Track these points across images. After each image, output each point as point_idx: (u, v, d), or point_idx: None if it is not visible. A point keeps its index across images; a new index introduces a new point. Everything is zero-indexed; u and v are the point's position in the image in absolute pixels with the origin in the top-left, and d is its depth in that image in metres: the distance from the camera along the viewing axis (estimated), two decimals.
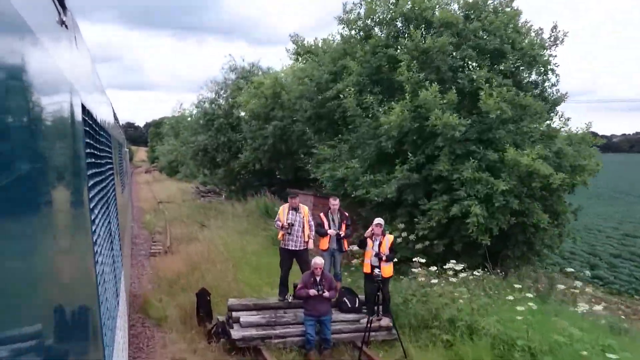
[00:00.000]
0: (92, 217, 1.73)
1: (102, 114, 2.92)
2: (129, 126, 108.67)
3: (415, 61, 9.36)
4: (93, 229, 1.72)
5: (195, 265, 9.09)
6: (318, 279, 5.86)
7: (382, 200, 8.89)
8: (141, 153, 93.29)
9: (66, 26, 1.66)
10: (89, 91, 2.12)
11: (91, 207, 1.73)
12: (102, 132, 2.63)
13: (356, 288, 6.89)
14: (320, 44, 14.89)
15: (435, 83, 8.82)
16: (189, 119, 24.79)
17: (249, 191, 20.02)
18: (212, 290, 6.88)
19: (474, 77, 9.19)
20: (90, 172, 1.80)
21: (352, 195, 9.36)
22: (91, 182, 1.81)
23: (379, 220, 6.38)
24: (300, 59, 15.62)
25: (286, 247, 6.50)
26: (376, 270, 5.89)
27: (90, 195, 1.74)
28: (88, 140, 1.86)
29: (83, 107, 1.77)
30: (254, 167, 17.52)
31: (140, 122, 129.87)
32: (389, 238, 6.36)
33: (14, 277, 0.79)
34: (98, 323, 1.62)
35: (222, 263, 9.21)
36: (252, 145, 17.00)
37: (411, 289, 6.61)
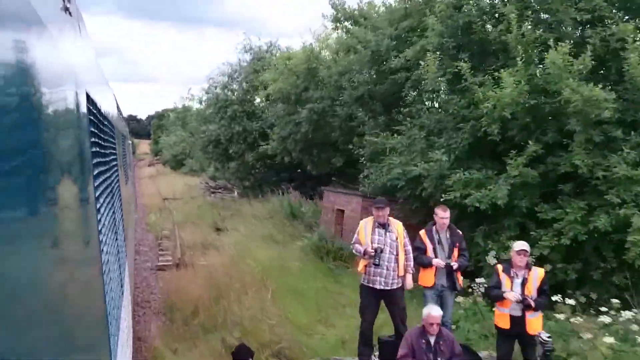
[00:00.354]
0: (98, 207, 2.53)
1: (106, 104, 3.81)
2: (131, 119, 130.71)
3: (529, 13, 8.99)
4: (98, 218, 2.49)
5: (218, 289, 9.19)
6: (432, 340, 5.08)
7: (485, 208, 8.54)
8: (144, 146, 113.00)
9: (70, 13, 2.36)
10: (93, 80, 2.92)
11: (96, 196, 2.53)
12: (106, 122, 3.49)
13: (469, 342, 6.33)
14: (366, 8, 15.56)
15: (566, 42, 8.41)
16: (198, 106, 28.84)
17: (265, 187, 22.55)
18: (249, 336, 6.60)
19: (614, 32, 8.45)
20: (95, 161, 2.58)
21: (441, 200, 9.06)
22: (96, 172, 2.58)
23: (521, 245, 5.65)
24: (340, 27, 16.28)
25: (371, 284, 5.98)
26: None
27: (95, 185, 2.52)
28: (93, 130, 2.64)
29: (88, 96, 2.56)
30: (283, 159, 19.20)
31: (143, 115, 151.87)
32: (538, 273, 5.61)
33: (18, 265, 1.02)
34: (103, 312, 2.40)
35: (255, 286, 9.33)
36: (279, 133, 18.37)
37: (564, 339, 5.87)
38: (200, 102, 29.05)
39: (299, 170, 22.40)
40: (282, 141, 18.37)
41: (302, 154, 18.14)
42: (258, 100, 24.04)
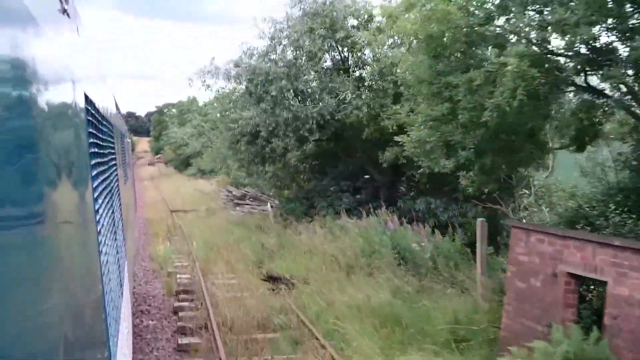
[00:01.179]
0: (96, 207, 2.57)
1: (105, 103, 3.91)
2: (130, 116, 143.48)
3: None
4: (97, 219, 2.55)
5: None
6: None
7: None
8: (143, 143, 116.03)
9: (68, 15, 2.44)
10: (91, 80, 3.03)
11: (95, 197, 2.57)
12: (104, 122, 3.61)
13: None
14: None
15: None
16: (222, 90, 21.29)
17: (320, 201, 17.68)
18: None
19: None
20: (93, 162, 2.71)
21: None
22: (94, 172, 2.71)
23: None
24: None
25: None
26: None
27: (94, 186, 2.62)
28: (91, 130, 2.76)
29: (86, 96, 2.61)
30: (471, 167, 11.58)
31: (142, 112, 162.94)
32: None
33: (18, 266, 1.11)
34: (102, 313, 2.41)
35: None
36: (426, 118, 11.54)
37: None
38: (228, 78, 20.33)
39: (367, 176, 17.96)
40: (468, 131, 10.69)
41: (495, 155, 11.05)
42: (313, 75, 18.09)
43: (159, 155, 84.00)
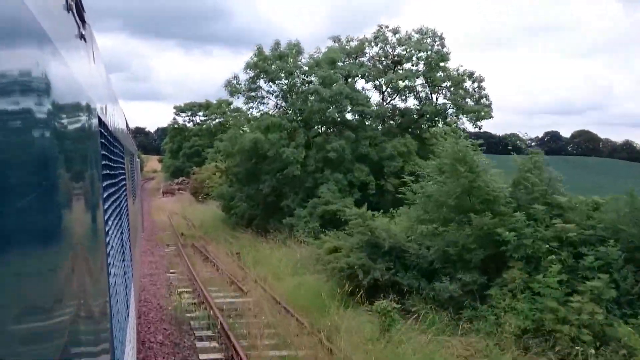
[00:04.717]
0: (107, 229, 2.47)
1: (116, 125, 3.79)
2: (139, 132, 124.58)
3: None
4: (107, 241, 2.44)
5: None
6: None
7: None
8: (153, 162, 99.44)
9: (85, 40, 2.38)
10: (105, 103, 2.95)
11: (105, 218, 2.46)
12: (116, 143, 3.48)
13: None
14: None
15: None
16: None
17: None
18: None
19: None
20: (105, 183, 2.56)
21: None
22: (106, 194, 2.56)
23: None
24: None
25: None
26: None
27: (105, 207, 2.49)
28: (103, 152, 2.63)
29: (99, 119, 2.53)
30: None
31: (151, 128, 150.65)
32: None
33: (29, 286, 1.08)
34: (109, 335, 2.31)
35: None
36: None
37: None
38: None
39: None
40: None
41: None
42: None
43: (178, 181, 59.38)
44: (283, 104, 33.40)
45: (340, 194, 27.53)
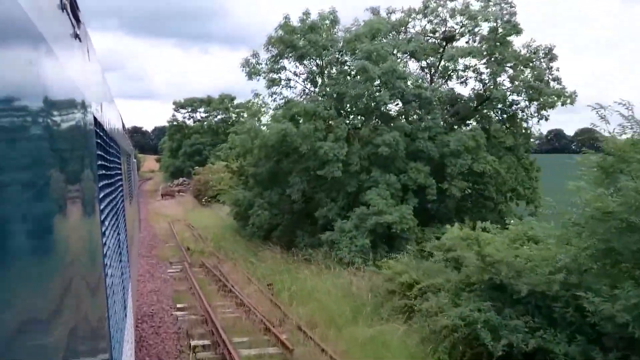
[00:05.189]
0: (103, 229, 3.14)
1: (112, 125, 4.53)
2: (135, 131, 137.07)
3: None
4: (103, 242, 3.11)
5: None
6: None
7: None
8: (150, 162, 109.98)
9: (80, 39, 3.00)
10: (100, 102, 3.63)
11: (102, 219, 3.13)
12: (112, 144, 4.22)
13: None
14: None
15: None
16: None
17: None
18: None
19: None
20: (101, 183, 3.23)
21: None
22: (102, 194, 3.24)
23: None
24: None
25: None
26: None
27: (101, 207, 3.16)
28: (99, 152, 3.31)
29: (95, 119, 3.19)
30: None
31: (149, 127, 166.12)
32: None
33: (24, 285, 1.26)
34: (107, 336, 2.97)
35: None
36: None
37: None
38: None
39: None
40: None
41: None
42: None
43: (178, 182, 67.03)
44: (312, 88, 32.40)
45: (392, 201, 26.09)
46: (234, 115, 75.86)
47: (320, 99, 30.68)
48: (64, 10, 2.41)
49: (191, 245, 30.46)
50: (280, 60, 32.25)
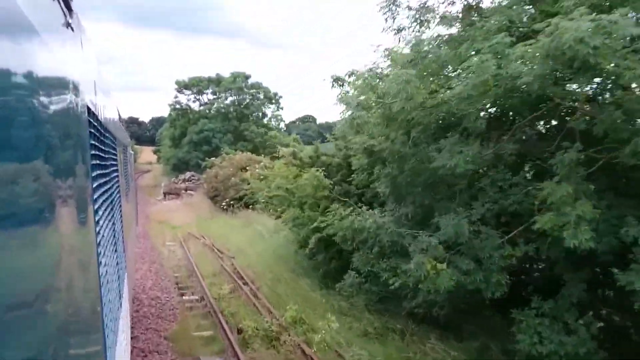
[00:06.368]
0: (97, 219, 3.17)
1: (107, 115, 4.55)
2: (132, 122, 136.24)
3: None
4: (97, 230, 3.14)
5: None
6: None
7: None
8: (147, 153, 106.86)
9: (72, 28, 3.01)
10: (94, 92, 3.65)
11: (95, 208, 3.17)
12: (106, 134, 4.23)
13: None
14: None
15: None
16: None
17: None
18: None
19: None
20: (94, 173, 3.27)
21: None
22: (95, 184, 3.27)
23: None
24: None
25: None
26: None
27: (95, 197, 3.18)
28: (93, 142, 3.34)
29: (88, 109, 3.23)
30: None
31: (145, 118, 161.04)
32: None
33: (13, 273, 1.28)
34: (100, 325, 3.01)
35: None
36: None
37: None
38: None
39: None
40: None
41: None
42: None
43: (185, 178, 53.74)
44: None
45: None
46: (248, 97, 67.95)
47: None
48: (55, 0, 2.43)
49: (239, 312, 16.09)
50: None
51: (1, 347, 1.13)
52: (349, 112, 15.05)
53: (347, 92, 16.33)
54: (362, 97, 15.26)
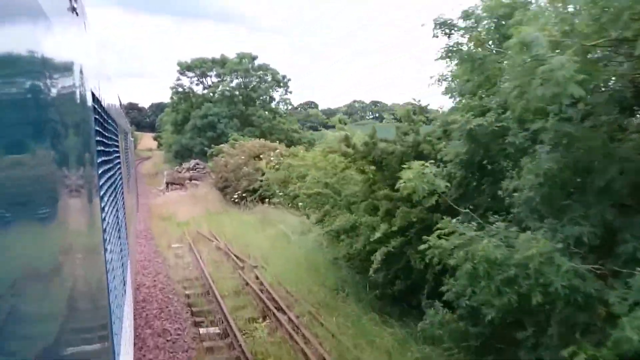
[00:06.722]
0: (102, 205, 3.17)
1: (110, 101, 4.54)
2: (132, 108, 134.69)
3: None
4: (103, 217, 3.14)
5: None
6: None
7: None
8: (147, 140, 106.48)
9: (77, 13, 2.99)
10: (98, 78, 3.62)
11: (101, 195, 3.16)
12: (110, 120, 4.22)
13: None
14: None
15: None
16: None
17: None
18: None
19: None
20: (99, 160, 3.25)
21: None
22: (100, 170, 3.26)
23: None
24: None
25: None
26: None
27: (100, 184, 3.17)
28: (97, 128, 3.32)
29: (93, 94, 3.20)
30: None
31: (145, 104, 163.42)
32: None
33: (22, 261, 1.28)
34: (107, 311, 3.01)
35: None
36: None
37: None
38: None
39: None
40: None
41: None
42: None
43: (189, 166, 48.39)
44: None
45: None
46: (255, 79, 65.24)
47: None
48: None
49: None
50: None
51: (13, 332, 1.14)
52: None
53: (458, 43, 12.13)
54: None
